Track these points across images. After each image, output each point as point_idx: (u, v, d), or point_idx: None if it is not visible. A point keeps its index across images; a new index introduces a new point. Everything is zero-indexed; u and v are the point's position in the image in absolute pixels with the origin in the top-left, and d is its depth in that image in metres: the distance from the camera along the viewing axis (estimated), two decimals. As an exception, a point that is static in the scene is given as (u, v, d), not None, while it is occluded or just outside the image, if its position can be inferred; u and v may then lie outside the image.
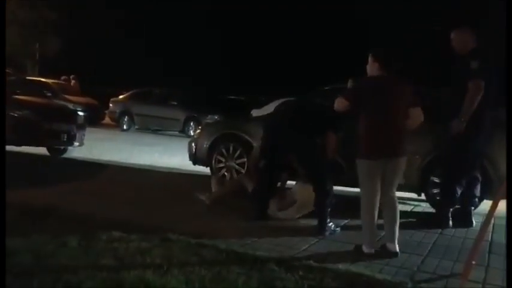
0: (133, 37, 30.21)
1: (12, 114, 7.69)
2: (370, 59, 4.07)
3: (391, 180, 3.95)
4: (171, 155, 10.70)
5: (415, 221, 5.24)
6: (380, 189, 3.95)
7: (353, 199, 5.90)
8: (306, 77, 21.86)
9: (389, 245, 3.94)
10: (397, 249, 3.93)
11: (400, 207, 4.16)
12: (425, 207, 5.89)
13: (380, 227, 4.03)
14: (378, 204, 3.95)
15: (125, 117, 18.07)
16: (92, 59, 27.92)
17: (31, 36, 24.38)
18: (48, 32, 24.49)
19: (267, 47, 29.54)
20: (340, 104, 4.08)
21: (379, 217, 4.01)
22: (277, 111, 5.13)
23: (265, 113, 6.01)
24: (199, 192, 5.51)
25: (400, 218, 4.04)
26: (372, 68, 4.07)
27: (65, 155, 8.94)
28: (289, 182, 5.51)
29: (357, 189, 6.13)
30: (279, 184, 5.31)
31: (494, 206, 3.50)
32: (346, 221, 5.01)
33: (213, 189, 5.63)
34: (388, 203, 3.98)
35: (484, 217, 3.94)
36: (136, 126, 18.02)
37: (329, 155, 4.71)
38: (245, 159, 6.56)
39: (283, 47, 29.54)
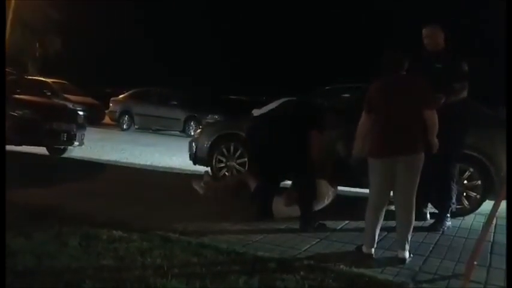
0: (135, 37, 30.23)
1: (12, 113, 7.68)
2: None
3: (402, 181, 3.81)
4: (172, 155, 10.69)
5: (416, 222, 5.22)
6: (394, 191, 3.90)
7: (354, 200, 5.91)
8: (308, 76, 21.87)
9: (398, 251, 3.87)
10: (406, 256, 3.82)
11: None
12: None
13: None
14: (382, 206, 3.90)
15: (125, 116, 18.05)
16: (92, 59, 27.93)
17: (33, 35, 24.36)
18: (50, 31, 24.49)
19: (268, 46, 29.57)
20: (364, 121, 3.98)
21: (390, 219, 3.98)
22: (267, 112, 5.09)
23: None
24: (196, 182, 5.53)
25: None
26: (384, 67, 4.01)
27: (65, 155, 8.93)
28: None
29: (358, 190, 6.17)
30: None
31: (496, 207, 3.49)
32: (346, 222, 5.00)
33: (205, 179, 5.69)
34: (400, 208, 3.89)
35: (486, 217, 3.92)
36: (136, 126, 18.00)
37: (314, 154, 4.70)
38: (246, 159, 6.55)
39: (285, 46, 29.57)
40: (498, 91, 4.80)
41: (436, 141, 3.95)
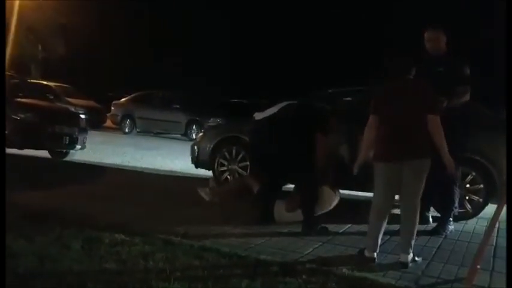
0: (136, 39, 30.26)
1: (14, 117, 7.69)
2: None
3: (407, 185, 3.80)
4: (174, 158, 10.69)
5: (419, 226, 5.20)
6: (400, 195, 3.89)
7: (356, 203, 5.90)
8: (310, 79, 21.86)
9: (401, 254, 3.85)
10: (409, 259, 3.79)
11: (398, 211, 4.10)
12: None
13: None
14: (386, 210, 3.89)
15: (126, 120, 18.08)
16: (94, 62, 27.97)
17: (36, 39, 24.43)
18: (53, 35, 24.56)
19: (270, 49, 29.57)
20: (371, 125, 3.92)
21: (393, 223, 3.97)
22: (269, 115, 5.08)
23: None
24: (201, 187, 5.51)
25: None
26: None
27: (67, 158, 8.94)
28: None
29: (361, 194, 6.16)
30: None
31: (498, 211, 3.49)
32: (349, 225, 4.99)
33: (210, 185, 5.66)
34: (405, 211, 3.87)
35: (489, 221, 3.91)
36: (138, 130, 18.02)
37: (318, 158, 4.68)
38: (248, 163, 6.55)
39: (287, 49, 29.56)
40: (498, 92, 4.78)
41: (449, 158, 3.84)
